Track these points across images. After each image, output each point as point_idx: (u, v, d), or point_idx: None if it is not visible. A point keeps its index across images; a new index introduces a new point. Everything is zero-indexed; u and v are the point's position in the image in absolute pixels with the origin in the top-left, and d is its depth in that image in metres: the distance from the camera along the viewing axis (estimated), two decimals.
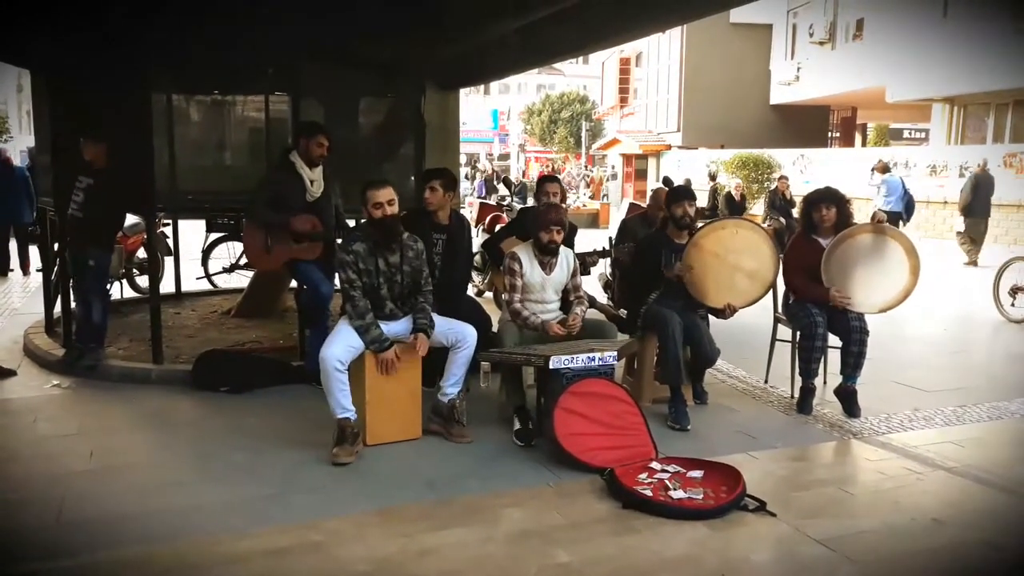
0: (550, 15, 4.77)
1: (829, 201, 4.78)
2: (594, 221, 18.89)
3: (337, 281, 4.29)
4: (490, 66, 6.92)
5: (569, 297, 4.55)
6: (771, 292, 5.08)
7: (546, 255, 4.42)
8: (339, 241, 4.47)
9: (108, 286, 5.62)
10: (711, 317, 4.85)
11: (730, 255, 4.65)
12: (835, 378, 4.83)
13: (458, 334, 4.19)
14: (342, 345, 3.92)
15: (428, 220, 4.74)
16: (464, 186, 21.57)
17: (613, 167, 27.95)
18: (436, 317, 4.21)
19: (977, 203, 12.62)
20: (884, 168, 13.63)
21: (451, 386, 4.22)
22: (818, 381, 4.81)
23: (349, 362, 3.93)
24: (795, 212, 11.44)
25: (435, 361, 4.30)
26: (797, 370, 4.80)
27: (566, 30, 5.62)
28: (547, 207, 4.45)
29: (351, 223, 5.49)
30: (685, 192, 4.86)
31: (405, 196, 4.17)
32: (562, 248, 4.46)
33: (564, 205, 5.36)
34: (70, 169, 5.36)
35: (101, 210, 5.22)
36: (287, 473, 3.74)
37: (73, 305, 5.75)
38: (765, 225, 11.20)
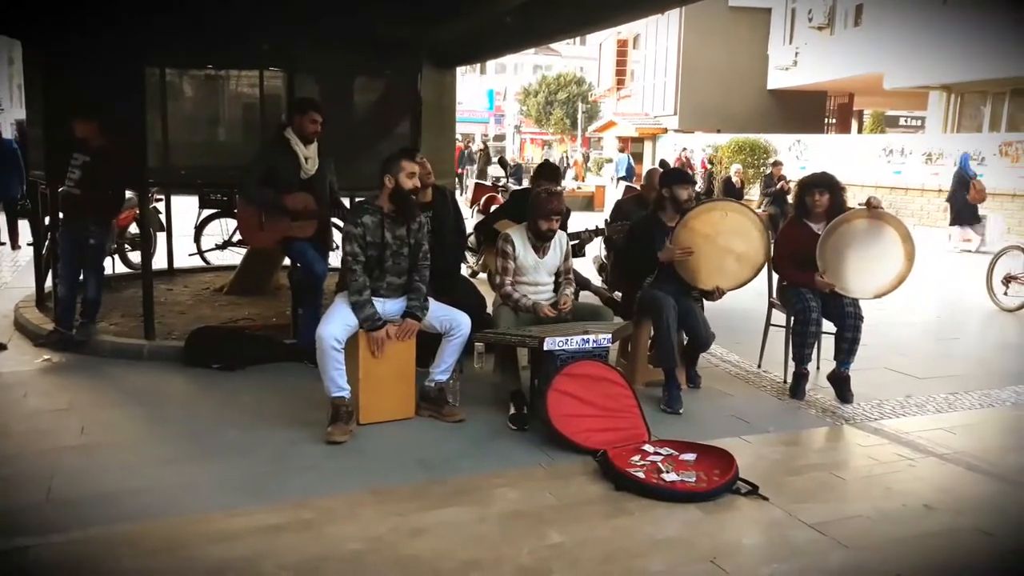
0: None
1: (823, 187, 4.77)
2: (589, 204, 18.82)
3: (333, 258, 4.23)
4: (487, 45, 6.87)
5: (559, 279, 4.55)
6: (766, 277, 5.08)
7: (541, 240, 4.40)
8: (348, 211, 4.36)
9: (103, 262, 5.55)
10: (703, 300, 4.85)
11: (720, 237, 4.64)
12: (828, 363, 4.84)
13: (452, 321, 4.15)
14: (339, 323, 3.89)
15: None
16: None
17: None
18: (431, 302, 4.18)
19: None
20: (622, 149, 22.09)
21: (440, 373, 4.20)
22: (811, 366, 4.81)
23: (346, 340, 3.91)
24: (789, 199, 11.57)
25: (430, 341, 4.28)
26: (791, 355, 4.81)
27: (564, 10, 5.57)
28: (548, 195, 4.37)
29: (346, 202, 5.45)
30: (679, 174, 4.83)
31: None
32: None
33: (560, 187, 5.32)
34: (64, 144, 5.28)
35: (100, 187, 5.15)
36: (279, 451, 3.72)
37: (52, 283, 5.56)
38: (760, 211, 11.25)
